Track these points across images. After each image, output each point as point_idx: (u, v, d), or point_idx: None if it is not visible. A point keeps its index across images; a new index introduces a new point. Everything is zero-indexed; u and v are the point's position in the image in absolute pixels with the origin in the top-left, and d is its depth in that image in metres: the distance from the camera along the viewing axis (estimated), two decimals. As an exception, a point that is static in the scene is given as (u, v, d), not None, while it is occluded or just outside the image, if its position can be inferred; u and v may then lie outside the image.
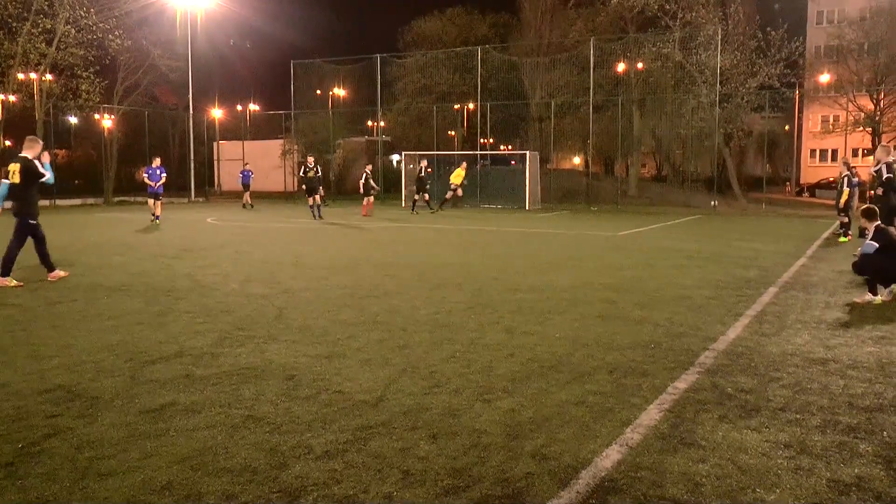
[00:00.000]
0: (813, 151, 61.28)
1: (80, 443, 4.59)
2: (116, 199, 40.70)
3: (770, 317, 8.64)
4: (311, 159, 27.42)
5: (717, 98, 34.97)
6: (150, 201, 24.19)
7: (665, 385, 5.81)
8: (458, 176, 31.69)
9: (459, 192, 31.76)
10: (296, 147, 45.90)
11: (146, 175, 24.38)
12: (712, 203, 34.26)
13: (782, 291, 10.49)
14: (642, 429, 4.84)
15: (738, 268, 13.03)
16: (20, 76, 34.41)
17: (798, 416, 5.11)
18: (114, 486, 3.98)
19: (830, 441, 4.70)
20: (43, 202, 34.26)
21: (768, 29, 35.35)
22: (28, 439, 4.65)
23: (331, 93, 54.28)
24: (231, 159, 49.87)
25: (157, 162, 24.49)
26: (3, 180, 11.05)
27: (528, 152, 35.70)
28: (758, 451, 4.48)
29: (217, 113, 56.79)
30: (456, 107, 49.44)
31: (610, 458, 4.35)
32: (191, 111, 44.69)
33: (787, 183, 52.03)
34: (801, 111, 50.01)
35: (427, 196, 29.66)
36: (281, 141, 47.73)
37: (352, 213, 28.76)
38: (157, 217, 23.91)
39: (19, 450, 4.48)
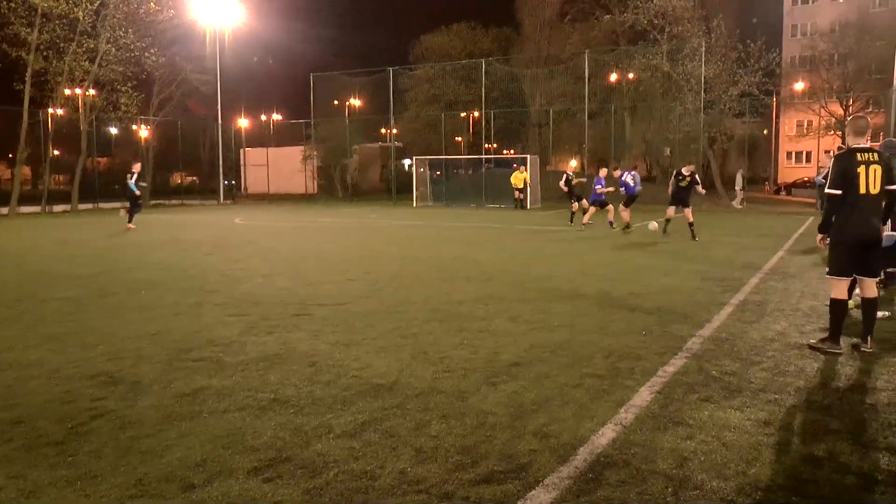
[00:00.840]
0: (789, 153, 61.15)
1: (122, 423, 4.61)
2: (153, 202, 40.79)
3: (751, 305, 8.61)
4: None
5: (702, 105, 34.84)
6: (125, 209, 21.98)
7: (656, 369, 5.80)
8: (517, 178, 32.04)
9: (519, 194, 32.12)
10: (315, 153, 45.96)
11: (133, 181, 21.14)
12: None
13: (762, 282, 10.45)
14: (635, 409, 4.83)
15: (722, 260, 12.99)
16: (67, 92, 34.52)
17: (777, 397, 5.10)
18: (153, 462, 3.99)
19: (806, 419, 4.70)
20: (86, 205, 34.82)
21: (747, 41, 35.22)
22: (76, 420, 4.68)
23: (347, 102, 54.29)
24: (256, 165, 49.99)
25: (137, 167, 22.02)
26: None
27: (528, 156, 35.62)
28: (740, 428, 4.47)
29: (243, 122, 56.91)
30: (462, 114, 49.40)
31: (606, 436, 4.35)
32: (219, 121, 44.71)
33: (766, 182, 51.80)
34: (778, 116, 49.79)
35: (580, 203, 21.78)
36: (302, 147, 47.76)
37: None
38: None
39: (69, 429, 4.51)
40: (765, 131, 55.22)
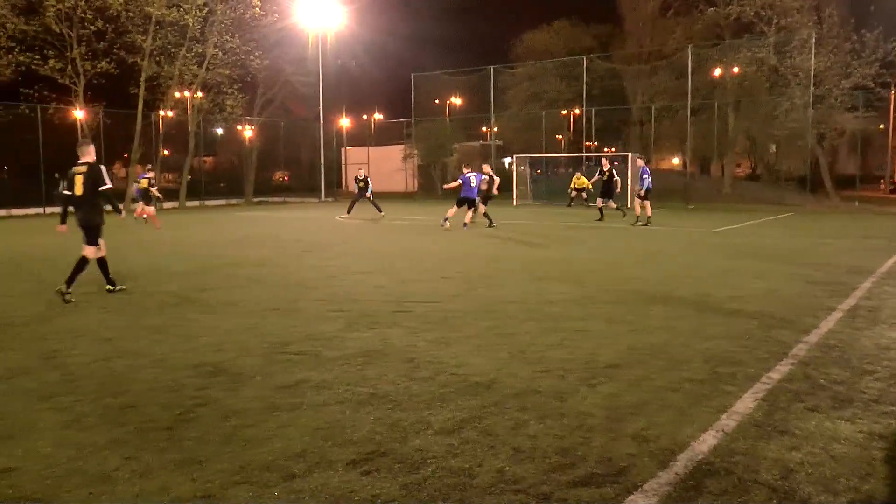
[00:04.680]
0: (907, 150, 57.87)
1: (226, 412, 4.78)
2: (256, 199, 42.12)
3: (863, 311, 8.20)
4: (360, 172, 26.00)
5: (811, 100, 33.35)
6: (141, 205, 21.46)
7: (759, 375, 5.60)
8: (580, 181, 31.84)
9: (581, 194, 31.88)
10: (415, 151, 46.44)
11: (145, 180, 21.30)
12: None
13: (875, 287, 9.94)
14: (737, 416, 4.68)
15: (830, 263, 12.42)
16: (176, 94, 36.10)
17: (892, 409, 4.83)
18: (255, 451, 4.12)
19: (926, 432, 4.44)
20: (193, 202, 36.27)
21: (862, 31, 33.44)
22: (183, 407, 4.89)
23: (448, 101, 54.61)
24: (357, 163, 50.94)
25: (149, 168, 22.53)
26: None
27: (629, 154, 34.98)
28: (851, 441, 4.26)
29: (344, 122, 58.03)
30: (563, 112, 48.92)
31: (706, 442, 4.23)
32: (321, 121, 45.71)
33: (882, 181, 49.19)
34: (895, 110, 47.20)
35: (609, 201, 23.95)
36: (402, 146, 48.31)
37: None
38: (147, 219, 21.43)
39: (176, 416, 4.72)
40: (881, 126, 52.46)
